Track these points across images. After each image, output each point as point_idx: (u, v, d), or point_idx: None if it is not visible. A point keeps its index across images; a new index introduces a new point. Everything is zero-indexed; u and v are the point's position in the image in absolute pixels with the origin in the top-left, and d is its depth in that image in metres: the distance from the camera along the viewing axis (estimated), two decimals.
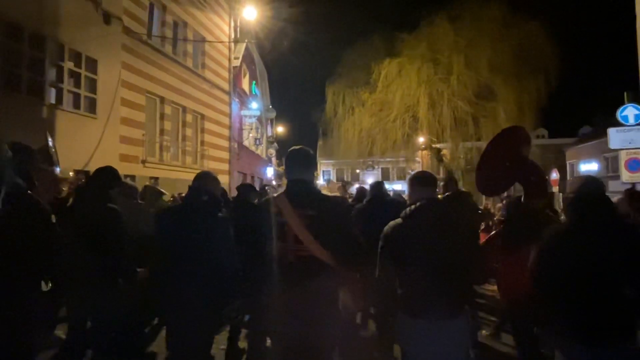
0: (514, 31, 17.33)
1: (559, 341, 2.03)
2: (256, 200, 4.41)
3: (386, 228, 2.26)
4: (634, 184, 8.21)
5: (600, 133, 17.38)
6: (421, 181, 2.33)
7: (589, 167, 25.37)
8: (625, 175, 8.55)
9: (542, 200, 3.40)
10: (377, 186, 4.30)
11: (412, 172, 2.78)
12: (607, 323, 1.84)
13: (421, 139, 20.52)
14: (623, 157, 8.67)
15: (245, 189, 4.35)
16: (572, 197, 2.04)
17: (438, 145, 20.09)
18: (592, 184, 2.07)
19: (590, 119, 30.60)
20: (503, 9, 17.49)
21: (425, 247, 2.08)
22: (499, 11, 17.52)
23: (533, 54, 17.21)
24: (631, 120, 8.62)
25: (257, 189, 5.45)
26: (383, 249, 2.24)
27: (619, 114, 8.70)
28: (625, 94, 8.77)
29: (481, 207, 7.52)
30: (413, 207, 2.19)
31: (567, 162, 28.71)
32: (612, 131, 8.77)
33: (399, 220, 2.24)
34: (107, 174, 2.99)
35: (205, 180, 2.60)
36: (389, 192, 4.43)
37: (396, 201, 4.42)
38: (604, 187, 2.07)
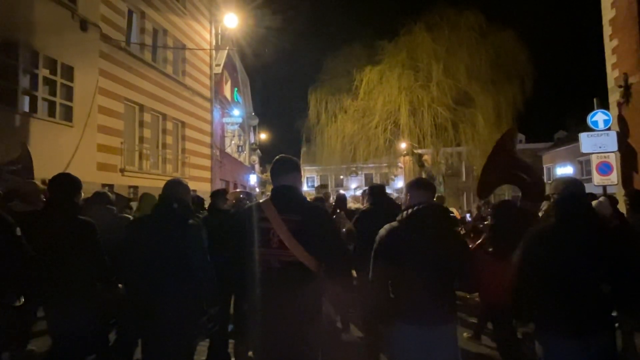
0: (490, 39, 17.87)
1: (541, 335, 2.08)
2: (226, 204, 4.34)
3: (381, 231, 2.24)
4: (604, 187, 8.52)
5: (574, 137, 17.97)
6: (420, 185, 2.33)
7: (565, 170, 26.23)
8: (597, 179, 8.83)
9: (538, 202, 3.39)
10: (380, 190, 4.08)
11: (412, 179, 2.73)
12: (588, 316, 1.93)
13: (403, 145, 20.79)
14: (594, 160, 8.98)
15: (215, 195, 4.31)
16: (557, 198, 2.12)
17: (419, 151, 20.38)
18: (574, 186, 2.15)
19: (564, 123, 31.74)
20: (479, 18, 18.06)
21: (421, 251, 2.07)
22: (475, 20, 18.05)
23: (508, 61, 17.76)
24: (601, 126, 8.95)
25: (246, 195, 5.37)
26: (377, 251, 2.21)
27: (589, 120, 9.02)
28: (594, 100, 9.12)
29: (452, 213, 7.69)
30: (410, 210, 2.18)
31: (544, 166, 29.54)
32: (583, 136, 9.08)
33: (395, 223, 2.23)
34: (68, 183, 2.83)
35: (175, 188, 2.58)
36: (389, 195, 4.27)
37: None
38: (584, 189, 2.17)
